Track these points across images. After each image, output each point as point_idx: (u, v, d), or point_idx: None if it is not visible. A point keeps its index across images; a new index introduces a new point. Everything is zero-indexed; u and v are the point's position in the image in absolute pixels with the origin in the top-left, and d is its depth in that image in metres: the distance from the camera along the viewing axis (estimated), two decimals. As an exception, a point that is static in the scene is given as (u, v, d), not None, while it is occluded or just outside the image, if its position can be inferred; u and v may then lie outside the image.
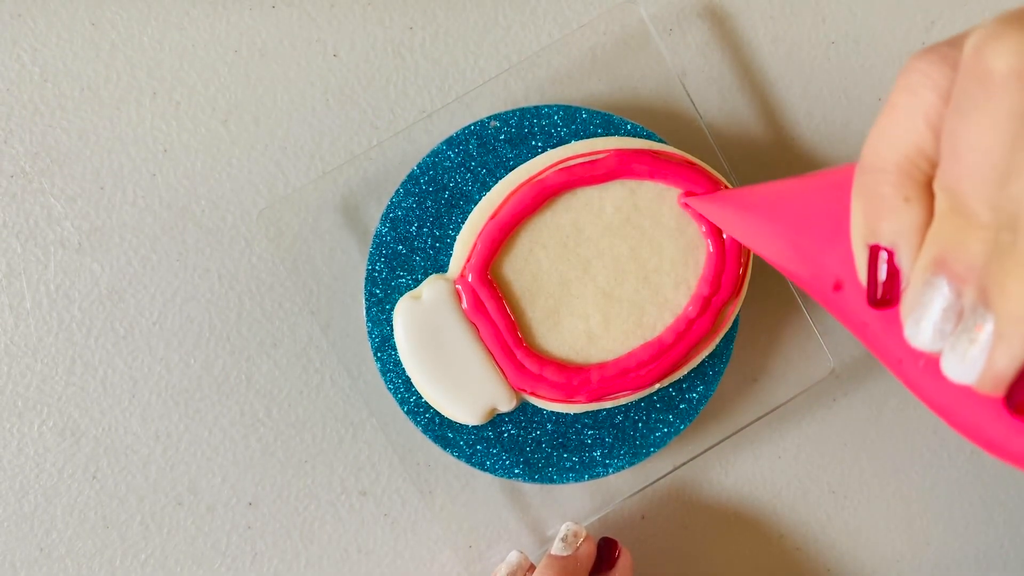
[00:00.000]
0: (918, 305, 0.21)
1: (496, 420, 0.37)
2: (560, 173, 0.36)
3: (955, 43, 0.21)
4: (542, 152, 0.37)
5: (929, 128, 0.21)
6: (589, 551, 0.38)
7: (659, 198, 0.37)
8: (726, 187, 0.36)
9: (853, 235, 0.23)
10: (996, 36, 0.19)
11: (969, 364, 0.20)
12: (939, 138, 0.21)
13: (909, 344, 0.22)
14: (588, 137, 0.37)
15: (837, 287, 0.25)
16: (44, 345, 0.38)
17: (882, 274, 0.22)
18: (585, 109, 0.37)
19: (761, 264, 0.39)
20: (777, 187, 0.29)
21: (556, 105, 0.37)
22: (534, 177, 0.36)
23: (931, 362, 0.22)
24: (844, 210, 0.24)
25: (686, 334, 0.37)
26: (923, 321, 0.21)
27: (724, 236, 0.36)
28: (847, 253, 0.24)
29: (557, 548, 0.38)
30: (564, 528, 0.38)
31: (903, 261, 0.22)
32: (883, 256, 0.22)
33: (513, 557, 0.38)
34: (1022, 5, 0.20)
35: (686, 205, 0.36)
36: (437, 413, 0.37)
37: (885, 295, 0.22)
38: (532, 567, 0.38)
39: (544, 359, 0.36)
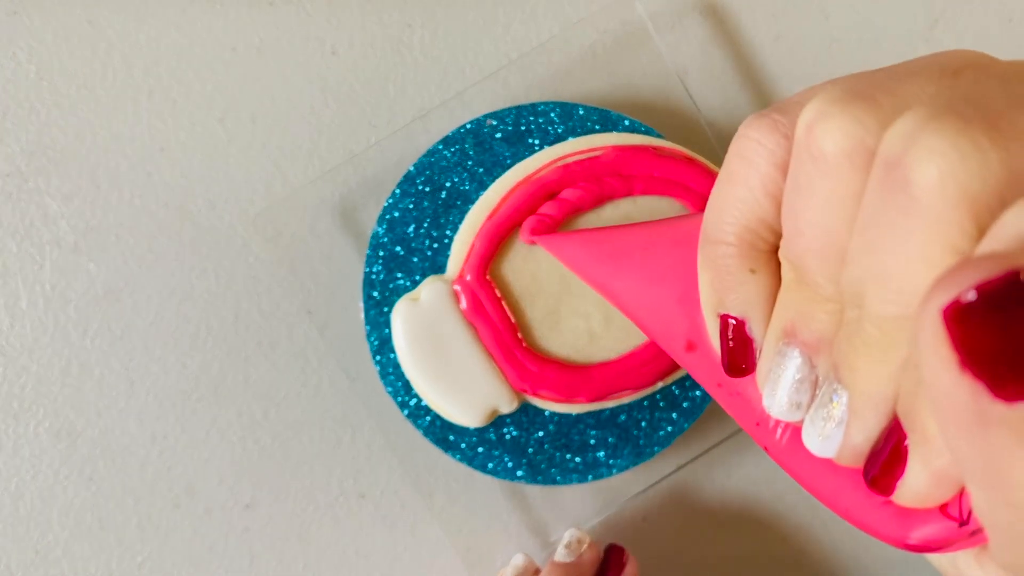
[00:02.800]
0: (772, 375, 0.21)
1: (498, 422, 0.37)
2: (558, 171, 0.36)
3: (786, 110, 0.20)
4: (539, 150, 0.37)
5: (768, 198, 0.20)
6: (593, 557, 0.38)
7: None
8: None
9: (703, 303, 0.23)
10: (825, 116, 0.18)
11: (828, 439, 0.20)
12: (779, 207, 0.20)
13: (767, 413, 0.22)
14: (586, 134, 0.37)
15: (690, 347, 0.24)
16: (40, 345, 0.38)
17: (734, 344, 0.22)
18: (582, 106, 0.37)
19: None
20: (626, 234, 0.28)
21: (552, 102, 0.37)
22: (532, 175, 0.36)
23: (790, 430, 0.22)
24: (692, 268, 0.24)
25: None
26: (778, 391, 0.21)
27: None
28: (698, 314, 0.24)
29: (560, 555, 0.37)
30: (567, 534, 0.38)
31: (755, 331, 0.22)
32: (733, 325, 0.22)
33: (519, 560, 0.38)
34: (852, 76, 0.20)
35: (532, 242, 0.35)
36: (438, 416, 0.37)
37: (740, 364, 0.22)
38: (537, 570, 0.38)
39: (545, 359, 0.36)
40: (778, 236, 0.21)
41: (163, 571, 0.39)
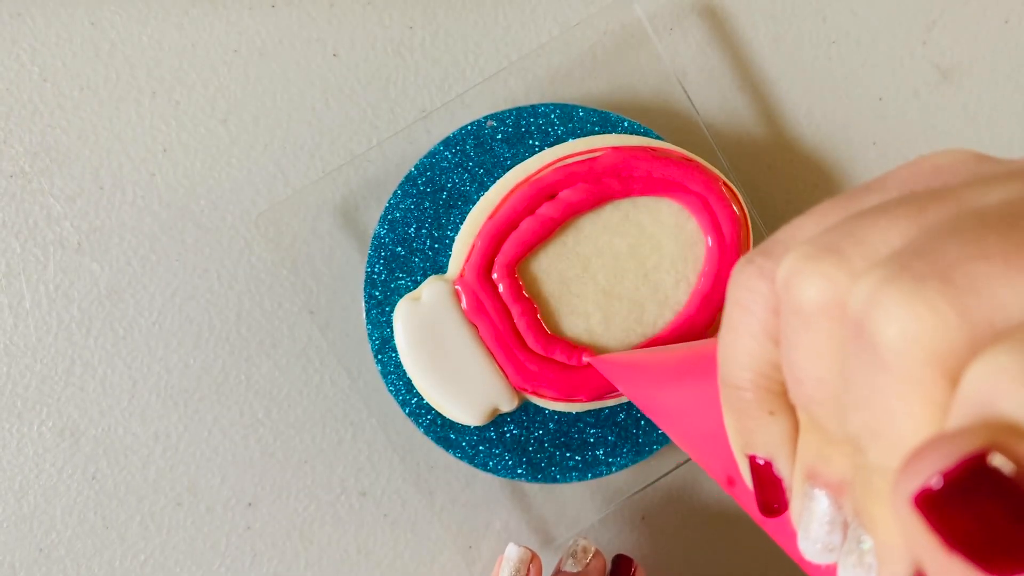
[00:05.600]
0: (803, 518, 0.21)
1: (498, 420, 0.37)
2: (557, 172, 0.36)
3: (770, 253, 0.21)
4: (539, 151, 0.37)
5: (772, 342, 0.20)
6: (599, 567, 0.37)
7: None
8: (725, 184, 0.36)
9: (731, 443, 0.23)
10: (798, 273, 0.19)
11: None
12: None
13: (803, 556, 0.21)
14: (585, 135, 0.37)
15: (730, 482, 0.24)
16: (43, 345, 0.38)
17: (765, 484, 0.22)
18: (582, 107, 0.37)
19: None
20: (664, 362, 0.28)
21: (552, 103, 0.37)
22: (532, 176, 0.36)
23: (832, 570, 0.22)
24: (719, 403, 0.24)
25: (686, 331, 0.36)
26: (811, 534, 0.21)
27: (724, 232, 0.36)
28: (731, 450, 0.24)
29: (567, 565, 0.37)
30: (573, 543, 0.37)
31: (782, 470, 0.22)
32: (762, 465, 0.22)
33: (512, 552, 0.36)
34: (827, 211, 0.20)
35: (588, 364, 0.36)
36: (439, 415, 0.37)
37: (773, 504, 0.22)
38: (535, 556, 0.37)
39: (544, 358, 0.36)
40: None
41: (165, 569, 0.39)
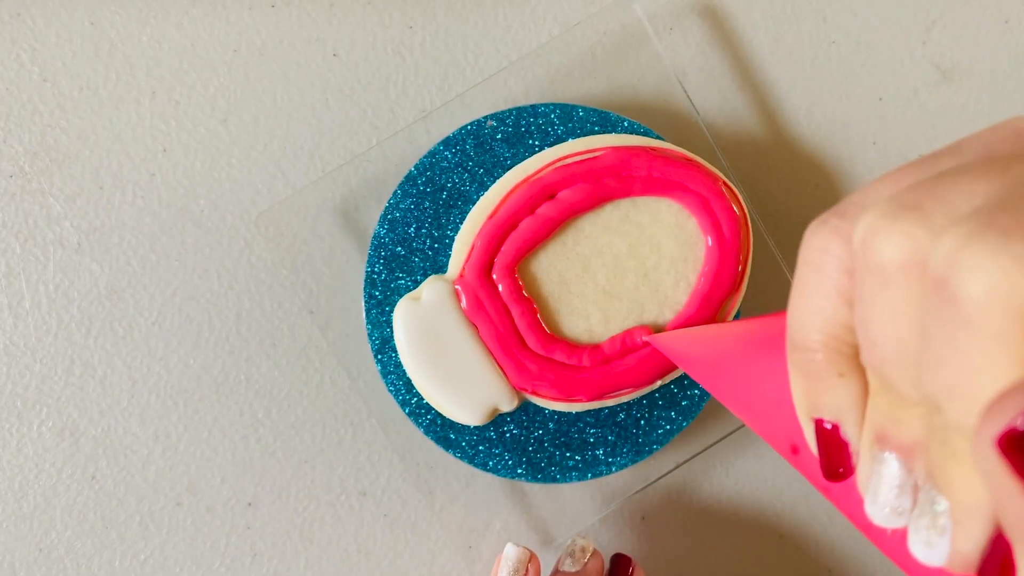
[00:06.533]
0: (872, 482, 0.21)
1: (498, 420, 0.37)
2: (557, 172, 0.36)
3: (844, 214, 0.20)
4: (539, 151, 0.37)
5: (845, 303, 0.20)
6: (597, 566, 0.37)
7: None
8: (725, 184, 0.36)
9: (797, 407, 0.23)
10: (878, 231, 0.18)
11: (934, 548, 0.20)
12: None
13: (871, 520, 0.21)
14: (585, 135, 0.37)
15: (794, 451, 0.24)
16: (43, 345, 0.38)
17: (831, 448, 0.22)
18: (582, 107, 0.37)
19: (760, 260, 0.39)
20: (726, 335, 0.28)
21: (552, 103, 0.37)
22: (532, 176, 0.36)
23: (899, 534, 0.21)
24: (786, 371, 0.23)
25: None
26: (879, 498, 0.21)
27: (724, 232, 0.36)
28: (797, 417, 0.23)
29: (566, 564, 0.37)
30: (571, 543, 0.37)
31: (850, 434, 0.22)
32: (829, 429, 0.22)
33: (511, 552, 0.36)
34: (905, 172, 0.20)
35: (646, 343, 0.36)
36: (439, 414, 0.37)
37: (838, 468, 0.22)
38: (533, 556, 0.37)
39: (544, 358, 0.36)
40: None
41: (165, 569, 0.39)
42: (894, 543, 0.22)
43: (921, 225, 0.18)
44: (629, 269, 0.37)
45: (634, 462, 0.38)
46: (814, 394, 0.22)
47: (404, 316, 0.36)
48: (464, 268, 0.36)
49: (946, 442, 0.18)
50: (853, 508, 0.23)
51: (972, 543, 0.19)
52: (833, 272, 0.20)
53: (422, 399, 0.37)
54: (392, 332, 0.37)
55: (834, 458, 0.22)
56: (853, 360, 0.21)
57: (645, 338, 0.36)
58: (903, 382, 0.19)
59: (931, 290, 0.17)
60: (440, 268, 0.37)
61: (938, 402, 0.18)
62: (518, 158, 0.37)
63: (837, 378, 0.21)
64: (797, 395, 0.22)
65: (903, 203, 0.18)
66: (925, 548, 0.20)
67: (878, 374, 0.20)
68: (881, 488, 0.21)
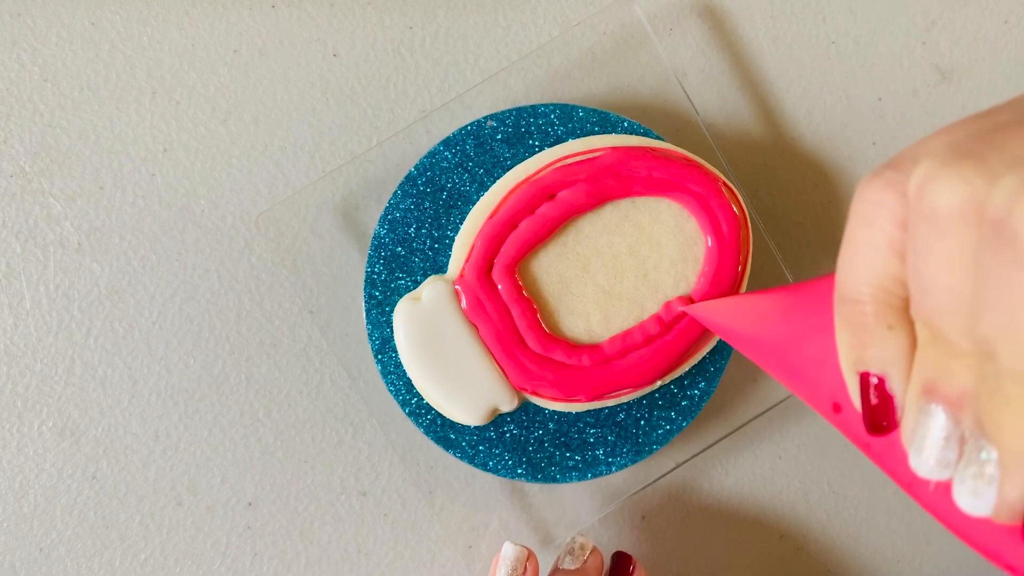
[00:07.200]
0: (917, 434, 0.21)
1: (498, 420, 0.37)
2: (557, 172, 0.36)
3: (898, 166, 0.21)
4: (539, 151, 0.37)
5: (896, 256, 0.21)
6: (597, 564, 0.37)
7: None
8: (725, 184, 0.36)
9: (842, 362, 0.23)
10: (934, 178, 0.19)
11: (981, 497, 0.20)
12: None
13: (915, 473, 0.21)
14: (585, 135, 0.37)
15: (836, 409, 0.24)
16: (43, 345, 0.38)
17: (875, 402, 0.22)
18: (582, 107, 0.37)
19: (760, 260, 0.39)
20: (768, 298, 0.28)
21: (552, 104, 0.37)
22: (532, 176, 0.36)
23: (942, 487, 0.22)
24: (830, 329, 0.23)
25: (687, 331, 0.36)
26: (925, 451, 0.21)
27: (724, 232, 0.36)
28: (840, 374, 0.24)
29: (565, 562, 0.37)
30: (570, 540, 0.38)
31: (895, 388, 0.22)
32: (874, 383, 0.22)
33: (509, 551, 0.36)
34: (961, 125, 0.20)
35: (683, 313, 0.36)
36: (439, 414, 0.37)
37: (882, 422, 0.22)
38: (531, 554, 0.37)
39: (544, 358, 0.36)
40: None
41: (165, 569, 0.39)
42: (936, 497, 0.22)
43: (979, 171, 0.18)
44: (629, 269, 0.37)
45: (634, 462, 0.38)
46: (861, 347, 0.22)
47: (404, 316, 0.36)
48: (464, 268, 0.36)
49: (998, 389, 0.18)
50: (894, 464, 0.23)
51: (1020, 490, 0.19)
52: (885, 224, 0.20)
53: (422, 399, 0.37)
54: (392, 332, 0.37)
55: (879, 412, 0.22)
56: (902, 313, 0.21)
57: (682, 308, 0.36)
58: (954, 330, 0.19)
59: (990, 233, 0.17)
60: (440, 268, 0.37)
61: (992, 347, 0.18)
62: (518, 158, 0.37)
63: (886, 331, 0.21)
64: (843, 349, 0.23)
65: (961, 151, 0.19)
66: (971, 497, 0.20)
67: (929, 325, 0.20)
68: (928, 440, 0.21)
